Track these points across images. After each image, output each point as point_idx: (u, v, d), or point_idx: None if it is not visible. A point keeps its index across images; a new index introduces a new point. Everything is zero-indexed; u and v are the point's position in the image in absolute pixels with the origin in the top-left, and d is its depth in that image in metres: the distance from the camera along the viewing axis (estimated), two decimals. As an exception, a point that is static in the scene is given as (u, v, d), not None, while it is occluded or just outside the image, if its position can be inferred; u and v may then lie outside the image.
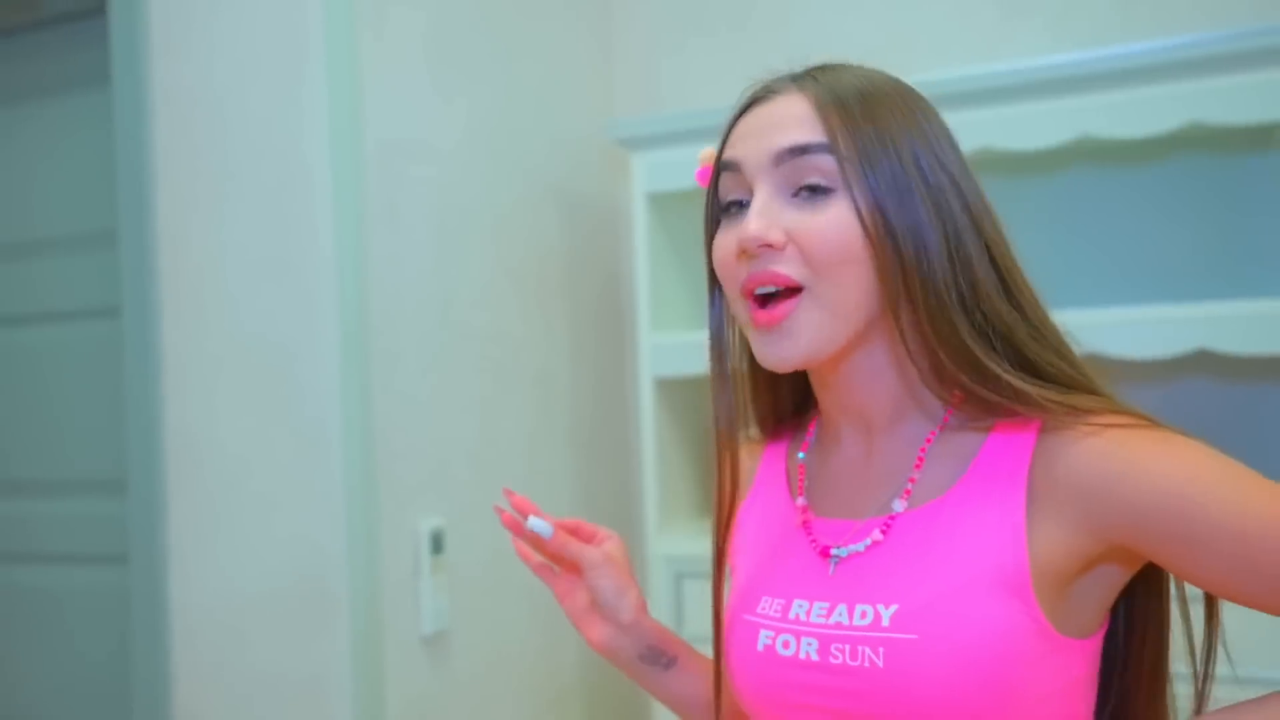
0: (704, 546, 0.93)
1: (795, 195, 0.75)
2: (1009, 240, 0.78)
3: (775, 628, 0.79)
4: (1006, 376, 0.73)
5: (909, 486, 0.78)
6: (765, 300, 0.75)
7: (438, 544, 1.79)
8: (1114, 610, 0.80)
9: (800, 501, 0.84)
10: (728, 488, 0.84)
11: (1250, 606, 0.69)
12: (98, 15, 1.89)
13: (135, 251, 1.78)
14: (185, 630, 1.76)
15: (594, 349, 2.28)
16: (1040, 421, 0.74)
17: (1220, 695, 0.78)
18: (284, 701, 1.70)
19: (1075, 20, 2.01)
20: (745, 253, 0.75)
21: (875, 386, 0.79)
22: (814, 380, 0.84)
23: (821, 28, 2.20)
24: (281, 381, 1.70)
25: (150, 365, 1.76)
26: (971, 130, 1.77)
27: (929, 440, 0.79)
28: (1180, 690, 0.83)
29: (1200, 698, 0.80)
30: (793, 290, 0.74)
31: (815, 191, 0.75)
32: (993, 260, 0.76)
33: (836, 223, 0.73)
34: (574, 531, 0.93)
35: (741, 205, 0.78)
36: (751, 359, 0.85)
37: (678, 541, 2.01)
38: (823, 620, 0.76)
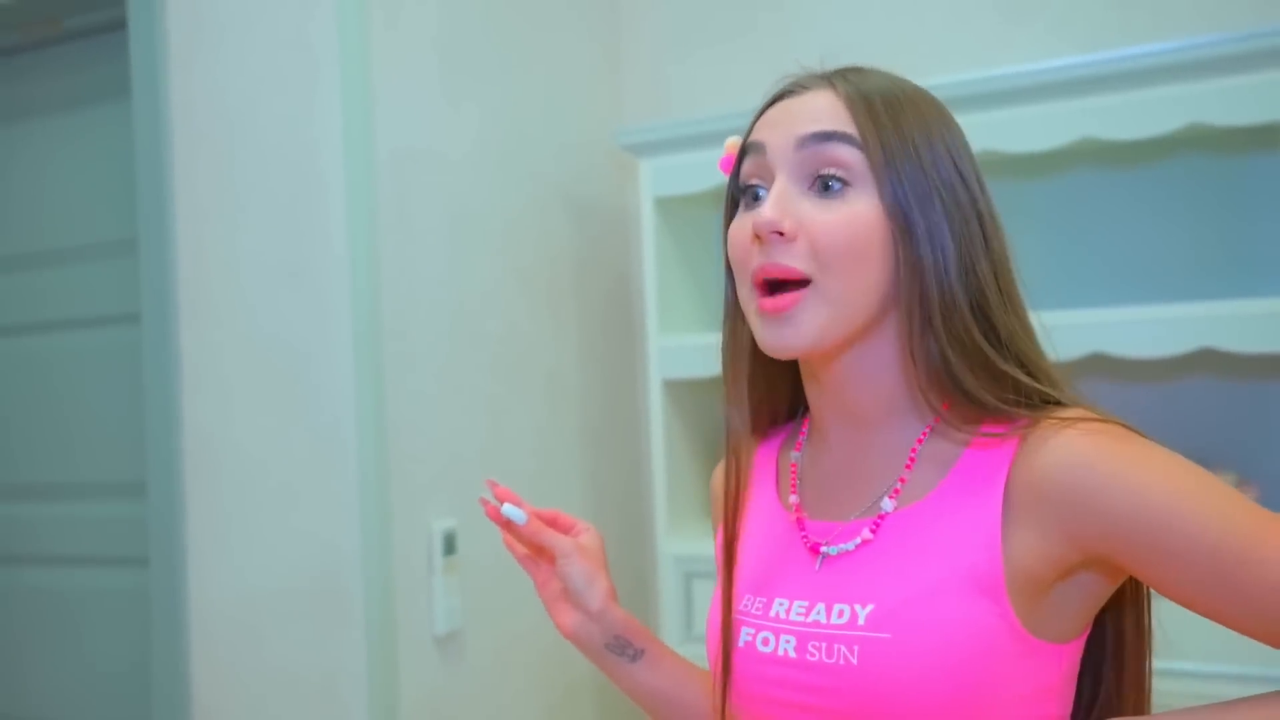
0: (713, 546, 0.95)
1: (812, 187, 0.77)
2: (1011, 250, 0.80)
3: (756, 625, 0.80)
4: (1019, 375, 0.75)
5: (899, 486, 0.79)
6: (773, 288, 0.76)
7: (450, 544, 1.82)
8: (1098, 618, 0.80)
9: (793, 500, 0.86)
10: (735, 479, 0.85)
11: (1227, 625, 0.69)
12: (118, 30, 1.93)
13: (155, 259, 1.82)
14: (203, 630, 1.79)
15: (603, 351, 2.31)
16: (1024, 427, 0.75)
17: (1216, 693, 0.79)
18: (300, 700, 1.72)
19: (1075, 24, 2.03)
20: (758, 238, 0.77)
21: (868, 385, 0.80)
22: (805, 377, 0.85)
23: (826, 34, 2.23)
24: (297, 385, 1.73)
25: (169, 370, 1.80)
26: (974, 133, 1.78)
27: (920, 440, 0.79)
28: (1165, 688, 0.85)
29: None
30: (800, 283, 0.75)
31: (831, 185, 0.76)
32: (997, 269, 0.78)
33: (850, 219, 0.75)
34: (552, 522, 0.96)
35: (759, 194, 0.80)
36: (751, 356, 0.86)
37: (687, 541, 2.04)
38: (801, 618, 0.77)
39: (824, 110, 0.77)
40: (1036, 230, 2.02)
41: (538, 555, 0.95)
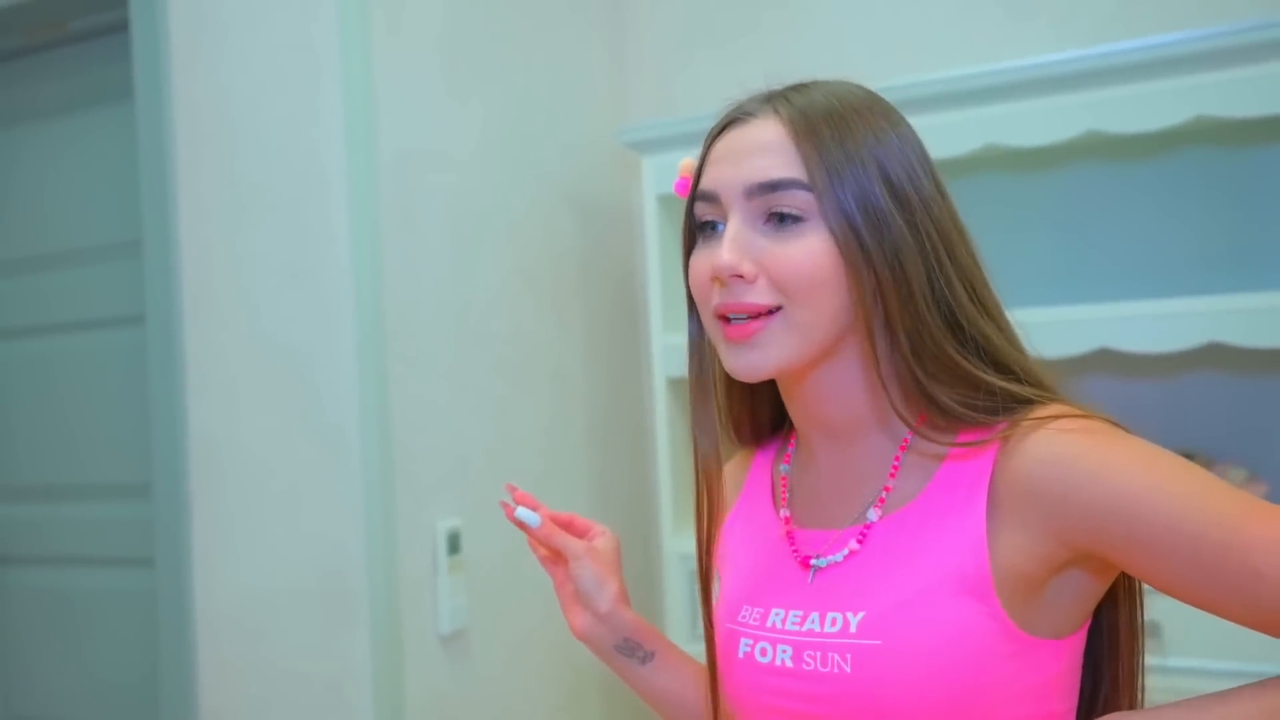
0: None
1: (768, 222, 0.77)
2: (977, 248, 0.80)
3: (754, 635, 0.81)
4: (998, 381, 0.75)
5: (883, 495, 0.79)
6: (731, 320, 0.77)
7: (455, 544, 1.81)
8: (1095, 612, 0.80)
9: (783, 513, 0.86)
10: (706, 504, 0.85)
11: (1218, 615, 0.69)
12: (121, 32, 1.94)
13: (159, 261, 1.82)
14: (209, 631, 1.80)
15: (608, 350, 2.31)
16: (1004, 428, 0.75)
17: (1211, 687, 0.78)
18: (306, 700, 1.73)
19: (1079, 17, 2.02)
20: (718, 280, 0.77)
21: (842, 402, 0.81)
22: (782, 392, 0.85)
23: (829, 32, 2.22)
24: (301, 385, 1.73)
25: (173, 371, 1.80)
26: (978, 128, 1.79)
27: (902, 449, 0.80)
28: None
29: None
30: (765, 312, 0.76)
31: (785, 220, 0.76)
32: (965, 274, 0.77)
33: (807, 251, 0.75)
34: (568, 525, 0.97)
35: (716, 228, 0.80)
36: (726, 376, 0.88)
37: (692, 540, 2.03)
38: (796, 628, 0.78)
39: (769, 147, 0.76)
40: (1042, 225, 2.01)
41: (555, 557, 0.96)
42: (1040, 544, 0.72)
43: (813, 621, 0.78)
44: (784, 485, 0.88)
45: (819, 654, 0.76)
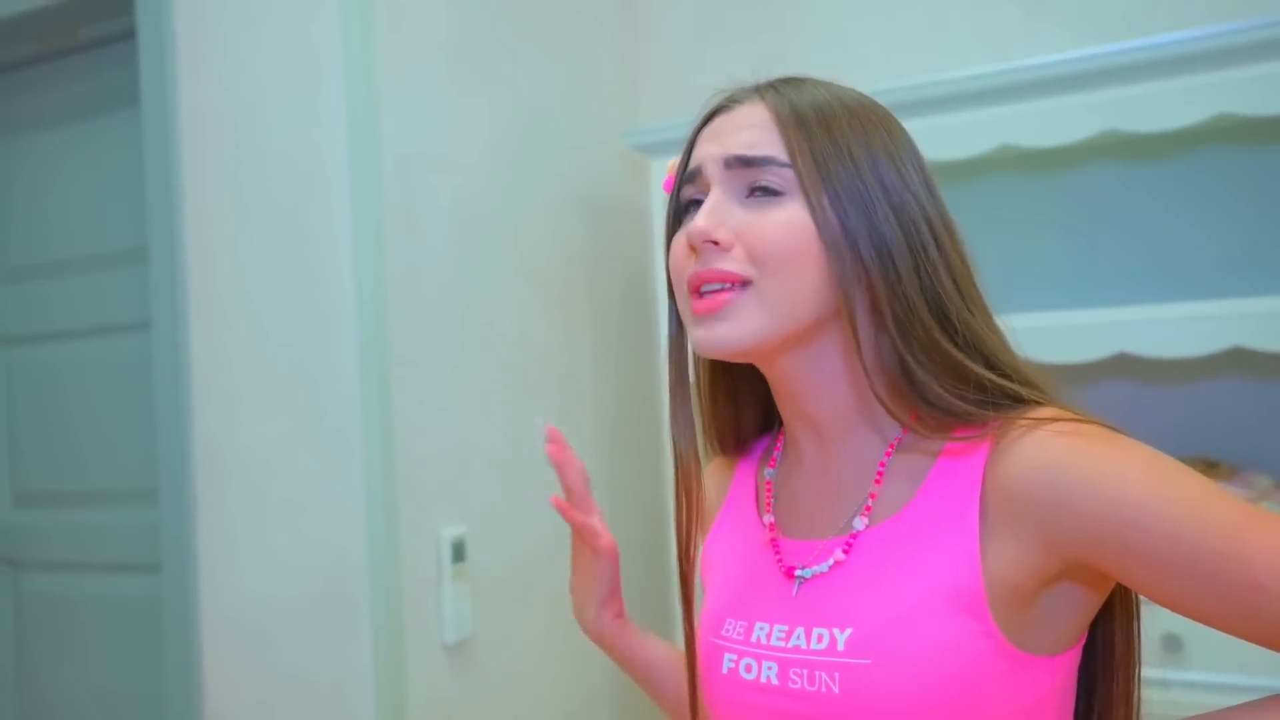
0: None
1: (749, 196, 0.75)
2: (968, 251, 0.78)
3: (738, 651, 0.78)
4: (989, 376, 0.73)
5: (869, 503, 0.76)
6: (702, 293, 0.75)
7: (459, 551, 1.79)
8: (1090, 626, 0.77)
9: (768, 519, 0.83)
10: (684, 508, 0.83)
11: (1216, 628, 0.66)
12: (128, 39, 1.94)
13: (164, 267, 1.81)
14: (214, 637, 1.79)
15: (618, 354, 2.28)
16: (994, 433, 0.72)
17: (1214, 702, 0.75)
18: (309, 708, 1.71)
19: (1096, 15, 1.97)
20: (693, 248, 0.75)
21: (825, 394, 0.78)
22: (771, 387, 0.83)
23: (841, 32, 2.19)
24: (304, 390, 1.72)
25: (179, 377, 1.79)
26: (992, 128, 1.75)
27: (888, 454, 0.77)
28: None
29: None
30: (738, 283, 0.74)
31: (767, 193, 0.74)
32: (955, 274, 0.75)
33: (786, 222, 0.73)
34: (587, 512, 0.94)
35: (698, 204, 0.78)
36: (710, 374, 0.86)
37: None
38: (782, 644, 0.75)
39: (752, 125, 0.76)
40: (1057, 227, 1.97)
41: (581, 530, 0.93)
42: (1032, 554, 0.69)
43: (798, 637, 0.74)
44: (769, 490, 0.85)
45: (805, 672, 0.73)
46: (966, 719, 0.69)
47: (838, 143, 0.74)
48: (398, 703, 1.66)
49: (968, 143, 1.76)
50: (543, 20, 2.13)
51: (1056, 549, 0.68)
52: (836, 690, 0.71)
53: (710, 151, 0.77)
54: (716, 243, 0.73)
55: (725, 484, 0.92)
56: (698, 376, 0.87)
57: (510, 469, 1.94)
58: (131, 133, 1.95)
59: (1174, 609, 0.67)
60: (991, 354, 0.75)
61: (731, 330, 0.73)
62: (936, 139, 1.70)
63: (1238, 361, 1.81)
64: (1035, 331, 1.67)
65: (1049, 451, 0.68)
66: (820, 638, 0.73)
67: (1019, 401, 0.73)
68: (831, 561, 0.76)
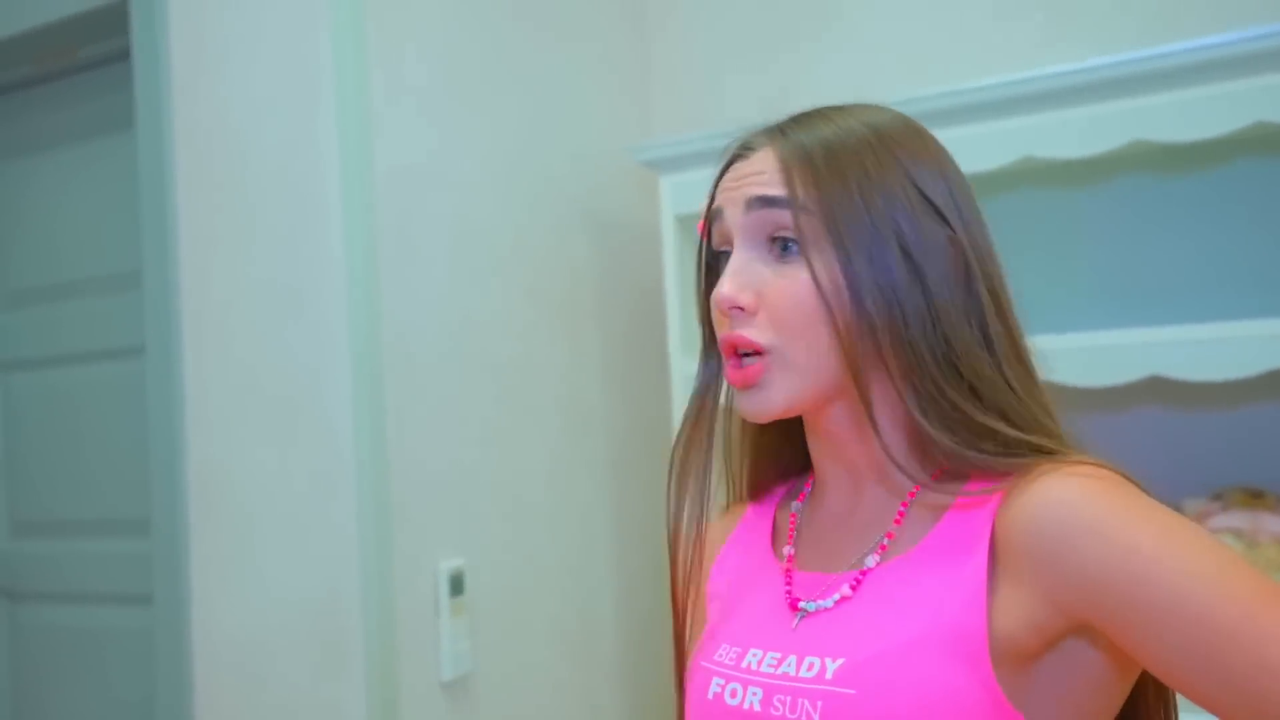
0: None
1: (771, 250, 0.75)
2: (1007, 289, 0.76)
3: (726, 676, 0.77)
4: (1001, 428, 0.71)
5: (885, 542, 0.76)
6: (741, 358, 0.76)
7: (458, 584, 1.72)
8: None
9: (786, 550, 0.83)
10: (682, 580, 0.83)
11: (1208, 709, 0.59)
12: (124, 60, 1.90)
13: (158, 291, 1.77)
14: (206, 672, 1.73)
15: (627, 375, 2.21)
16: (1009, 481, 0.70)
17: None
18: (302, 746, 1.64)
19: (1125, 20, 1.88)
20: (723, 312, 0.76)
21: (860, 443, 0.78)
22: (810, 431, 0.83)
23: (861, 45, 2.11)
24: (297, 417, 1.66)
25: (172, 403, 1.75)
26: (1015, 139, 1.66)
27: (911, 495, 0.76)
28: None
29: None
30: (764, 352, 0.75)
31: (789, 247, 0.74)
32: (985, 306, 0.74)
33: (799, 285, 0.73)
34: None
35: (727, 255, 0.79)
36: (756, 428, 0.87)
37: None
38: (771, 670, 0.74)
39: (763, 173, 0.76)
40: (1085, 242, 1.87)
41: None
42: (1035, 606, 0.65)
43: (789, 664, 0.73)
44: (792, 524, 0.85)
45: (789, 699, 0.71)
46: None
47: (847, 185, 0.73)
48: (392, 743, 1.59)
49: (990, 155, 1.67)
50: (548, 32, 2.07)
51: (1054, 598, 0.65)
52: (816, 718, 0.68)
53: (730, 195, 0.78)
54: (742, 308, 0.75)
55: (730, 525, 0.91)
56: (736, 431, 0.89)
57: (511, 498, 1.87)
58: (127, 155, 1.91)
59: (1172, 685, 0.61)
60: (1006, 405, 0.72)
61: (765, 400, 0.75)
62: (957, 151, 1.61)
63: (1279, 386, 1.71)
64: (1062, 353, 1.58)
65: (1063, 489, 0.66)
66: (810, 665, 0.72)
67: (1038, 452, 0.71)
68: (838, 597, 0.75)
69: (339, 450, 1.62)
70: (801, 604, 0.76)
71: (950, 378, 0.72)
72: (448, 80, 1.82)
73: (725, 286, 0.75)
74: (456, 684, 1.73)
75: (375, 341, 1.63)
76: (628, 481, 2.18)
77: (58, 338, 2.07)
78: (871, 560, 0.75)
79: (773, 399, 0.75)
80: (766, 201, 0.74)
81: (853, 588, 0.74)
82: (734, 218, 0.77)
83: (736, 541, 0.89)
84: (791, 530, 0.84)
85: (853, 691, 0.67)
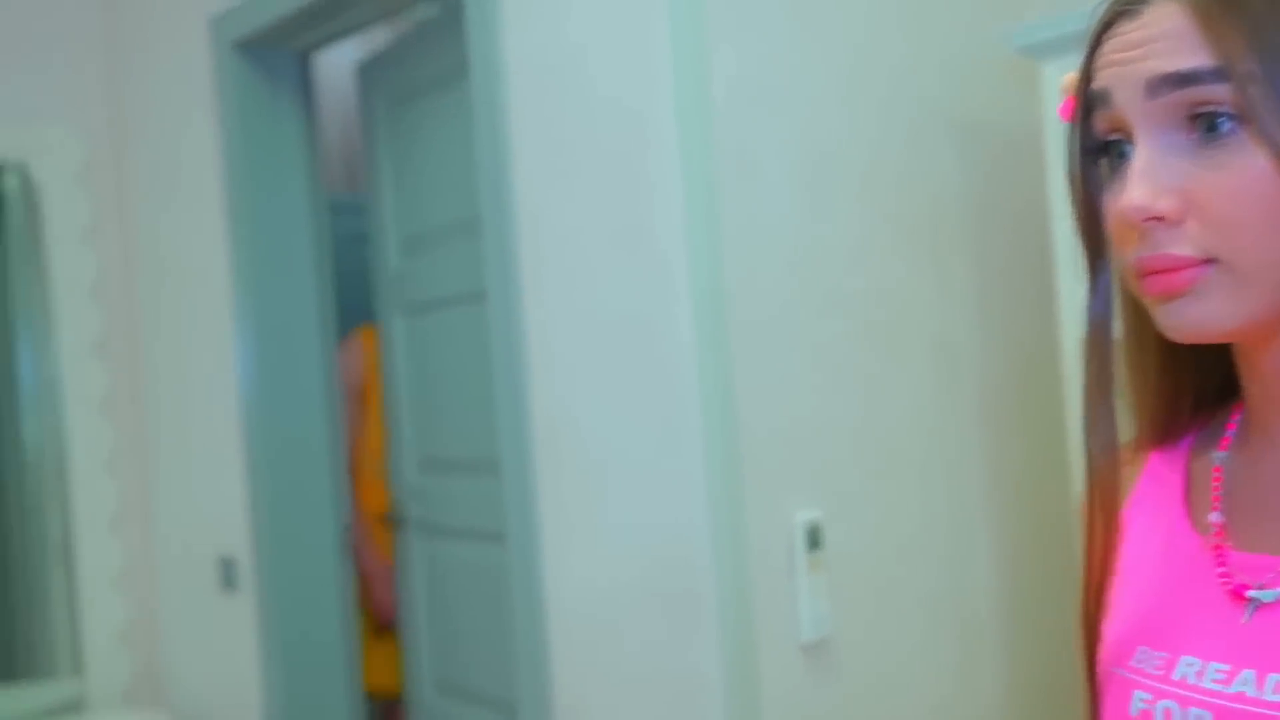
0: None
1: (1191, 133, 0.58)
2: None
3: (1154, 690, 0.62)
4: None
5: None
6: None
7: (815, 538, 1.59)
8: None
9: (1213, 519, 0.64)
10: (1098, 543, 0.68)
11: None
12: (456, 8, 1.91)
13: (497, 236, 1.77)
14: (560, 617, 1.72)
15: (1006, 308, 1.94)
16: None
17: None
18: (656, 697, 1.60)
19: None
20: (1130, 226, 0.59)
21: None
22: (1241, 364, 0.65)
23: None
24: (638, 360, 1.60)
25: (515, 349, 1.74)
26: None
27: None
28: None
29: None
30: (1195, 264, 0.58)
31: (1219, 125, 0.56)
32: None
33: (1246, 176, 0.56)
34: None
35: (1124, 151, 0.61)
36: (1152, 351, 0.68)
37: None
38: (1219, 687, 0.59)
39: (1170, 35, 0.58)
40: None
41: None
42: None
43: (1244, 681, 0.58)
44: (1216, 482, 0.66)
45: None
46: None
47: None
48: (751, 706, 1.51)
49: None
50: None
51: None
52: None
53: (1121, 73, 0.60)
54: (1161, 218, 0.58)
55: (1129, 479, 0.73)
56: (1135, 355, 0.70)
57: (872, 446, 1.70)
58: (464, 104, 1.95)
59: None
60: None
61: (1206, 313, 0.58)
62: None
63: None
64: None
65: None
66: (1278, 687, 0.56)
67: None
68: None
69: (683, 395, 1.53)
70: (1251, 592, 0.60)
71: None
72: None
73: (1135, 192, 0.58)
74: (817, 647, 1.60)
75: (718, 278, 1.52)
76: (1007, 431, 1.92)
77: (451, 279, 2.16)
78: None
79: (1216, 312, 0.58)
80: (1182, 80, 0.57)
81: None
82: (1130, 102, 0.59)
83: (1140, 500, 0.71)
84: (1216, 490, 0.66)
85: None
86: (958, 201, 1.87)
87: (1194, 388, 0.70)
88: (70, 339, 2.48)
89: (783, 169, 1.61)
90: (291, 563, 2.26)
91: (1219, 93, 0.56)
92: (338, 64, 2.87)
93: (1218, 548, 0.63)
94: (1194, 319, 0.59)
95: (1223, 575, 0.62)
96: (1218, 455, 0.67)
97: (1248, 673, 0.58)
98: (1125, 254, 0.62)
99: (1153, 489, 0.71)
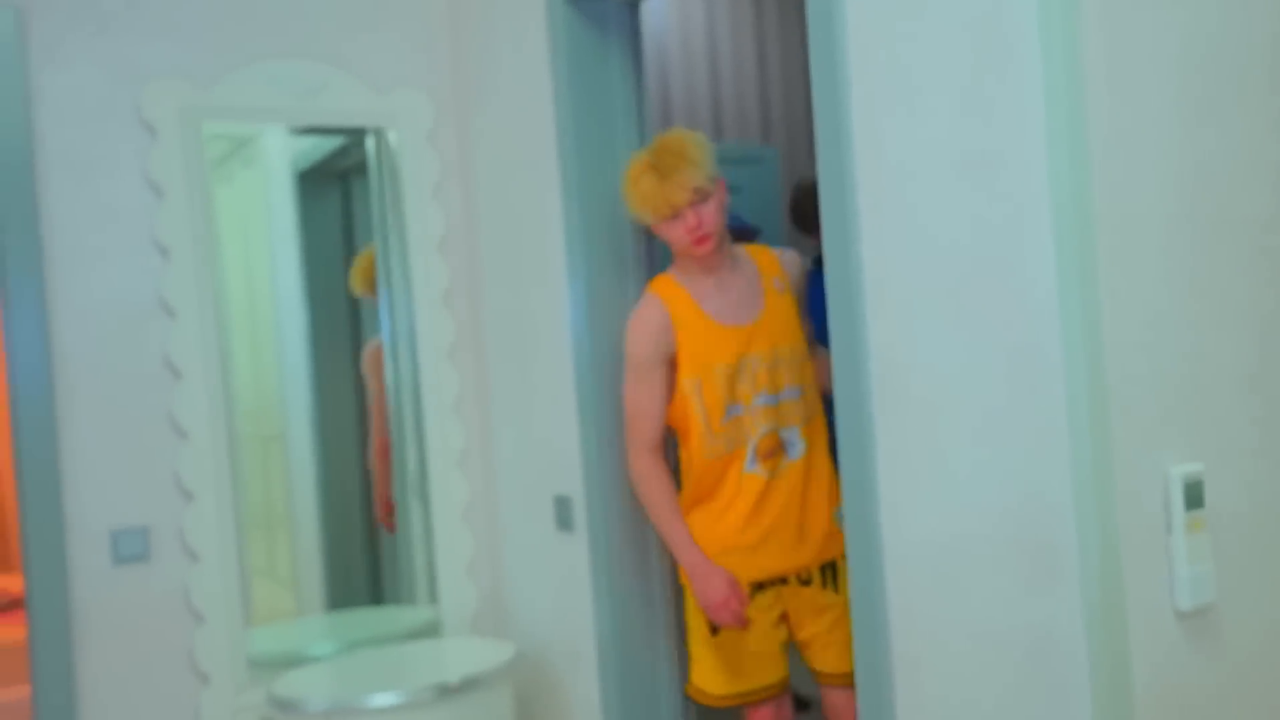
0: None
1: None
2: None
3: None
4: None
5: None
6: None
7: (1195, 495, 1.40)
8: None
9: None
10: None
11: None
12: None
13: (833, 164, 1.67)
14: (898, 571, 1.63)
15: None
16: None
17: None
18: (1003, 665, 1.48)
19: None
20: None
21: None
22: None
23: None
24: (991, 297, 1.46)
25: (851, 285, 1.65)
26: None
27: None
28: None
29: None
30: None
31: None
32: None
33: None
34: None
35: None
36: None
37: None
38: None
39: None
40: None
41: None
42: None
43: None
44: None
45: None
46: None
47: None
48: (1119, 675, 1.36)
49: None
50: None
51: None
52: None
53: None
54: None
55: None
56: None
57: (1264, 389, 1.48)
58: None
59: None
60: None
61: None
62: None
63: None
64: None
65: None
66: None
67: None
68: None
69: (1042, 333, 1.39)
70: None
71: None
72: None
73: None
74: (1196, 615, 1.42)
75: (1084, 202, 1.35)
76: None
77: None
78: None
79: None
80: None
81: None
82: None
83: None
84: None
85: None
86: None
87: None
88: (423, 291, 2.67)
89: (1159, 75, 1.41)
90: (620, 506, 2.31)
91: None
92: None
93: None
94: None
95: None
96: None
97: None
98: None
99: None
